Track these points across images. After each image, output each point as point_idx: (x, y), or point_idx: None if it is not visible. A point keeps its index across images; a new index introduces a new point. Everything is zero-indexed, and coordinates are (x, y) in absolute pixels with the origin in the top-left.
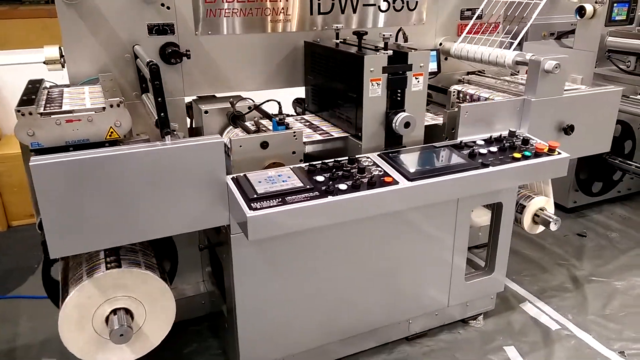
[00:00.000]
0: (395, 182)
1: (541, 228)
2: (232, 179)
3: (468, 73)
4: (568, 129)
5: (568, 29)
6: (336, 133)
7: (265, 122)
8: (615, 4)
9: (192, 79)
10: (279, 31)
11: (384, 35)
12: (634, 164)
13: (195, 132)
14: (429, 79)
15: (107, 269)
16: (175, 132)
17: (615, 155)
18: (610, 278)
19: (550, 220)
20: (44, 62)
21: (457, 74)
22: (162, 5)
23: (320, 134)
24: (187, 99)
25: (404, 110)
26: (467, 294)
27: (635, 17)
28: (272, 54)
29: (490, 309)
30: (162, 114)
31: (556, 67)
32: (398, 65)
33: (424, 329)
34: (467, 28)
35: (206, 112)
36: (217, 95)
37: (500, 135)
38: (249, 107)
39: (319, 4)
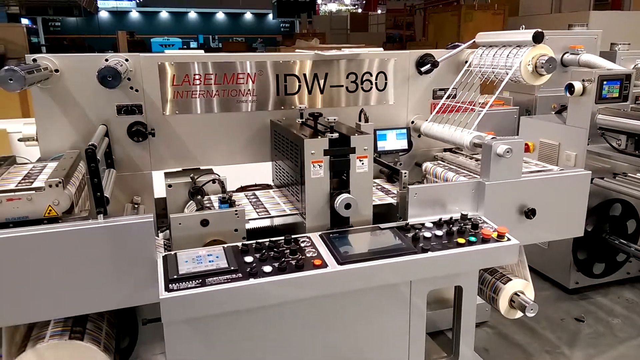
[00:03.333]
0: (324, 265)
1: (520, 313)
2: (163, 257)
3: (444, 150)
4: (529, 213)
5: None
6: (288, 210)
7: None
8: (605, 82)
9: (159, 155)
10: (245, 111)
11: (328, 119)
12: (634, 246)
13: (164, 203)
14: (400, 155)
15: (49, 339)
16: (136, 205)
17: (616, 236)
18: None
19: (526, 305)
20: (19, 140)
21: (434, 151)
22: (131, 88)
23: (274, 211)
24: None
25: (349, 192)
26: None
27: (629, 95)
28: (239, 132)
29: None
30: (98, 193)
31: (507, 152)
32: (340, 149)
33: None
34: (437, 107)
35: (170, 185)
36: (201, 167)
37: (451, 218)
38: (212, 181)
39: (285, 86)
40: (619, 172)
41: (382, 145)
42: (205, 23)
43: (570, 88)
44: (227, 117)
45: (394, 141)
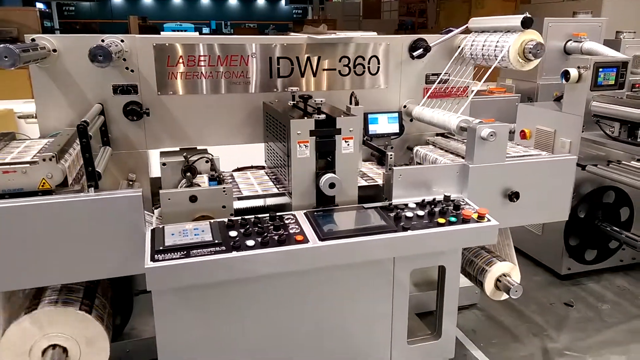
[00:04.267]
0: (306, 241)
1: (505, 295)
2: (152, 230)
3: (437, 134)
4: (513, 196)
5: None
6: (277, 190)
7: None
8: (600, 69)
9: (154, 134)
10: (239, 92)
11: (315, 100)
12: (625, 233)
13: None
14: (392, 139)
15: (44, 306)
16: (131, 182)
17: (608, 223)
18: (586, 354)
19: (511, 287)
20: (19, 117)
21: (427, 135)
22: (127, 68)
23: (262, 191)
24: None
25: (334, 172)
26: (410, 359)
27: (625, 82)
28: (233, 113)
29: None
30: (90, 168)
31: (491, 135)
32: (325, 129)
33: None
34: (429, 92)
35: (164, 164)
36: (199, 147)
37: (434, 199)
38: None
39: (278, 69)
40: (613, 159)
41: (374, 128)
42: (218, 9)
43: (566, 75)
44: (221, 99)
45: (385, 125)
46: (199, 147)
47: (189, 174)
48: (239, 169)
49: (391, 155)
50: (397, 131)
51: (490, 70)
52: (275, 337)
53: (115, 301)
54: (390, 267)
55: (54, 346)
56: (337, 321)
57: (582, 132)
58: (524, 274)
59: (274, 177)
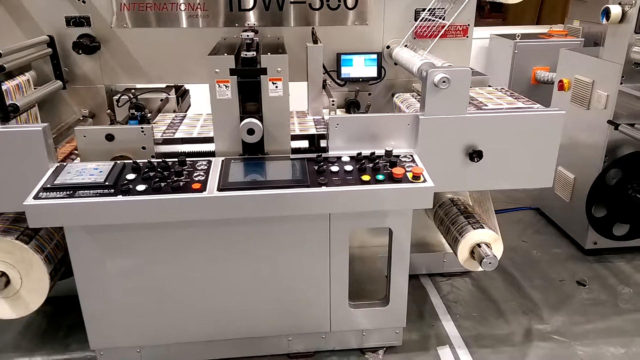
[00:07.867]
0: (202, 190)
1: (480, 267)
2: (56, 167)
3: None
4: (474, 155)
5: None
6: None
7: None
8: None
9: (110, 69)
10: (197, 27)
11: (241, 35)
12: None
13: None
14: (370, 84)
15: None
16: (82, 118)
17: None
18: (577, 340)
19: (483, 257)
20: None
21: (415, 80)
22: None
23: (197, 133)
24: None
25: (261, 117)
26: (353, 322)
27: None
28: (190, 49)
29: (395, 344)
30: None
31: (443, 82)
32: (247, 69)
33: (307, 350)
34: (412, 30)
35: (117, 100)
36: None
37: (373, 153)
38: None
39: (239, 1)
40: None
41: (347, 71)
42: None
43: (606, 13)
44: (179, 33)
45: (361, 68)
46: (183, 85)
47: (109, 111)
48: None
49: (333, 101)
50: (375, 75)
51: (463, 5)
52: (188, 282)
53: None
54: (326, 224)
55: None
56: (272, 274)
57: (621, 83)
58: (545, 245)
59: None
